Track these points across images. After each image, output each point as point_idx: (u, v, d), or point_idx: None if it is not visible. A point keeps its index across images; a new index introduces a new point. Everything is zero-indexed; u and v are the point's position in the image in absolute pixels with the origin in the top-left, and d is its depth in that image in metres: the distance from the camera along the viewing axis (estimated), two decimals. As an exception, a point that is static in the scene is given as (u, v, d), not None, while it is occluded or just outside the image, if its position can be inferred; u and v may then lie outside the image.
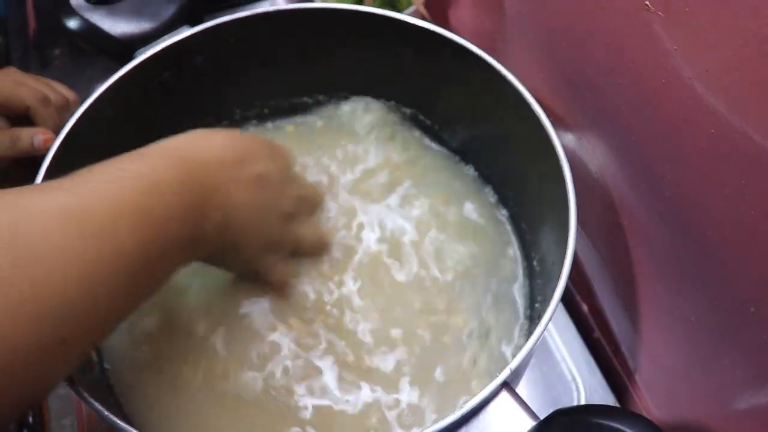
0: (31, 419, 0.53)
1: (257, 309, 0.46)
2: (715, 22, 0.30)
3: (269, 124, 0.58)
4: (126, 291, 0.31)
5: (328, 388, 0.44)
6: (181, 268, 0.37)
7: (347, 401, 0.43)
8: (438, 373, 0.44)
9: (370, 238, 0.50)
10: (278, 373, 0.44)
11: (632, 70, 0.38)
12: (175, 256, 0.35)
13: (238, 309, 0.46)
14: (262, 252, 0.43)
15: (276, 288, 0.46)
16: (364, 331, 0.46)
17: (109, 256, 0.30)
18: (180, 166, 0.36)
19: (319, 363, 0.44)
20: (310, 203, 0.49)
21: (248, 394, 0.43)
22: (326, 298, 0.47)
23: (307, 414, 0.43)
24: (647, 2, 0.34)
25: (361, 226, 0.51)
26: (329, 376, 0.44)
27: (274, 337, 0.45)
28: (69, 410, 0.52)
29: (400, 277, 0.48)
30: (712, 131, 0.33)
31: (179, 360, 0.45)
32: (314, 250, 0.48)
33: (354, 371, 0.44)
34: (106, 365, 0.45)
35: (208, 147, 0.40)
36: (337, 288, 0.47)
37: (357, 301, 0.47)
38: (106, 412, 0.35)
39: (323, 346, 0.45)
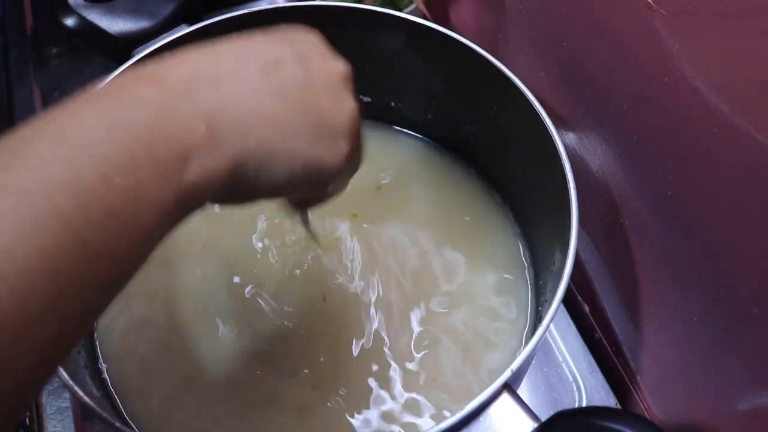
0: (27, 420, 0.52)
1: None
2: (717, 20, 0.30)
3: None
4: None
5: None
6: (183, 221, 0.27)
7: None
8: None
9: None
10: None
11: (634, 69, 0.37)
12: (150, 239, 0.25)
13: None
14: (320, 147, 0.30)
15: None
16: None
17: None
18: (129, 132, 0.24)
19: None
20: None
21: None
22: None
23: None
24: (649, 0, 0.34)
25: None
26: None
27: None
28: (66, 410, 0.52)
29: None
30: (715, 130, 0.33)
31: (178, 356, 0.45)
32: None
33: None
34: (101, 365, 0.45)
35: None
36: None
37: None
38: (103, 413, 0.34)
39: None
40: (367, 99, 0.57)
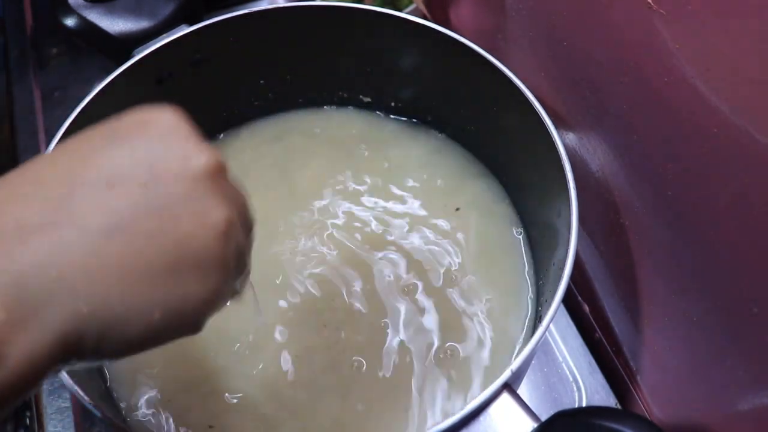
0: (28, 420, 0.52)
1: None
2: (717, 20, 0.30)
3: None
4: None
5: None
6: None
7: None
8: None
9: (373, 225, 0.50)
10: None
11: (634, 69, 0.37)
12: None
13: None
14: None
15: None
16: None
17: None
18: None
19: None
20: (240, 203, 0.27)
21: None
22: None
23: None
24: (649, 0, 0.34)
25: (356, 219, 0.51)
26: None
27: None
28: (66, 410, 0.52)
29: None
30: (715, 130, 0.32)
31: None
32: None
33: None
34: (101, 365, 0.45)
35: None
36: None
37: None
38: (103, 413, 0.34)
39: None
40: (367, 99, 0.57)
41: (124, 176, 0.23)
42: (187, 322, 0.24)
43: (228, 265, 0.25)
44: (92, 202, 0.22)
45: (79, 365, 0.23)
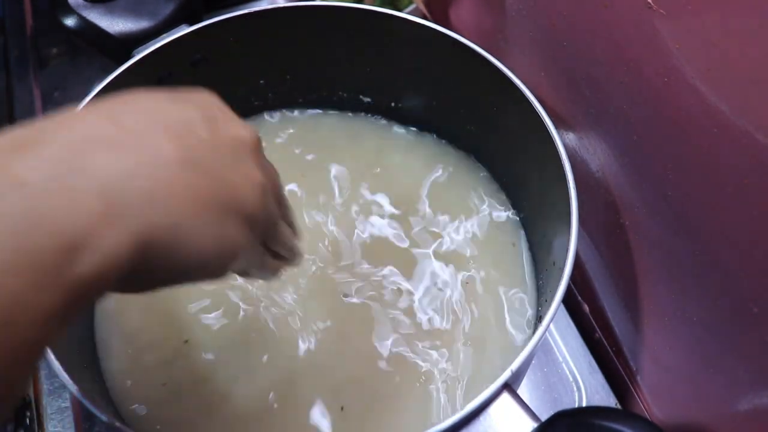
0: (28, 420, 0.52)
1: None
2: (717, 20, 0.30)
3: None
4: None
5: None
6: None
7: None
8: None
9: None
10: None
11: (634, 69, 0.37)
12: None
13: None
14: (218, 229, 0.25)
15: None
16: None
17: None
18: None
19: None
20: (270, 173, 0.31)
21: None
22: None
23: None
24: (649, 0, 0.34)
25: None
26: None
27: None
28: (66, 410, 0.52)
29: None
30: (715, 130, 0.32)
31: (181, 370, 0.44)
32: (288, 248, 0.34)
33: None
34: (102, 365, 0.45)
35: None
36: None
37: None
38: (103, 413, 0.34)
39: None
40: (367, 99, 0.57)
41: (194, 122, 0.26)
42: (220, 263, 0.26)
43: (259, 222, 0.28)
44: (167, 139, 0.24)
45: (133, 288, 0.24)
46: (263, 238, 0.30)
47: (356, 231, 0.51)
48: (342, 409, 0.43)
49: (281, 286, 0.48)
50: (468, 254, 0.50)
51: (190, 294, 0.48)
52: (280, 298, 0.48)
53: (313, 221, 0.51)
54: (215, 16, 0.49)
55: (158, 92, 0.27)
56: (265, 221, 0.29)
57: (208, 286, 0.48)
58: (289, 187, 0.53)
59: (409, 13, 0.50)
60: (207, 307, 0.47)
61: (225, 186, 0.26)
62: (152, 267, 0.23)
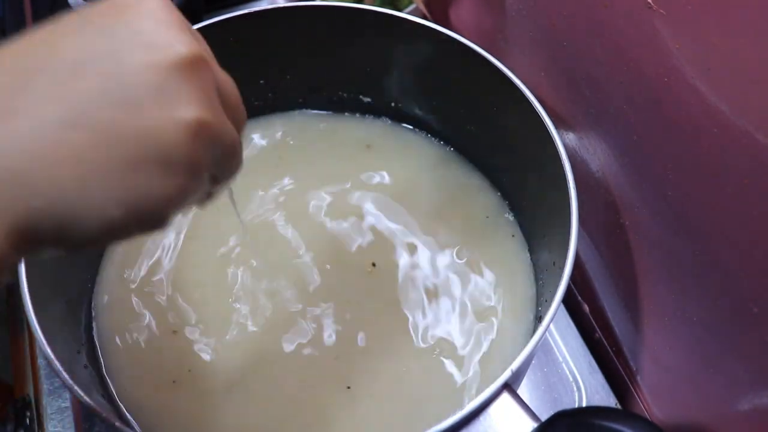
0: (28, 420, 0.52)
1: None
2: (717, 20, 0.30)
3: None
4: None
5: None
6: None
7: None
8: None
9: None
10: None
11: (634, 70, 0.37)
12: None
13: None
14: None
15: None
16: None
17: None
18: None
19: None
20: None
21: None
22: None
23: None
24: (649, 0, 0.34)
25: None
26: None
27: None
28: (66, 410, 0.52)
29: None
30: (715, 130, 0.32)
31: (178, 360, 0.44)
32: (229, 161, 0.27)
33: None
34: (102, 365, 0.45)
35: None
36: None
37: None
38: (103, 413, 0.34)
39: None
40: (367, 99, 0.57)
41: (87, 64, 0.21)
42: (149, 219, 0.23)
43: (197, 165, 0.23)
44: (51, 92, 0.20)
45: (42, 255, 0.22)
46: (210, 172, 0.25)
47: (354, 230, 0.51)
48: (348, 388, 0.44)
49: (280, 276, 0.48)
50: (468, 254, 0.50)
51: (191, 289, 0.48)
52: (281, 285, 0.48)
53: (313, 221, 0.51)
54: (215, 16, 0.49)
55: (65, 23, 0.23)
56: (207, 160, 0.24)
57: (209, 280, 0.48)
58: (286, 185, 0.53)
59: (409, 13, 0.50)
60: (209, 304, 0.47)
61: (128, 136, 0.21)
62: (53, 245, 0.21)
